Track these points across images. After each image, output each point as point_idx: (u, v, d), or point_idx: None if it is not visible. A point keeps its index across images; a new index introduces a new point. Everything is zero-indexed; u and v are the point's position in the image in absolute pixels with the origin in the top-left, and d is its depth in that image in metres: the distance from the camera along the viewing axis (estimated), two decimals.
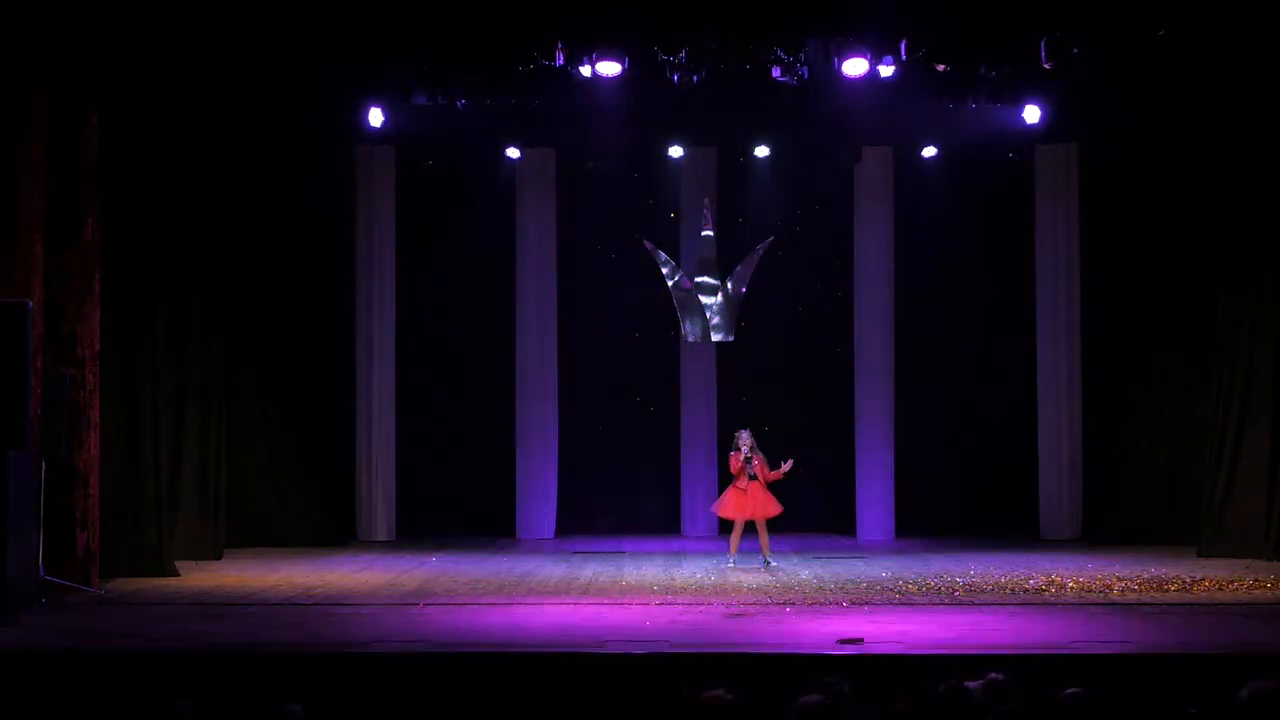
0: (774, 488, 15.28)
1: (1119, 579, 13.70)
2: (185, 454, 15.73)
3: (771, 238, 18.41)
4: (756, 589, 13.27)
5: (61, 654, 10.03)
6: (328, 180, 18.04)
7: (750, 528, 15.31)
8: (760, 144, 18.18)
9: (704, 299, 17.97)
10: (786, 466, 15.11)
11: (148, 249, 14.58)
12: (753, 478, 15.15)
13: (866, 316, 18.65)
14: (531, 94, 16.32)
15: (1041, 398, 18.40)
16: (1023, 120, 16.94)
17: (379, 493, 18.42)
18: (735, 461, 15.30)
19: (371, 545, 17.78)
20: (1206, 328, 16.48)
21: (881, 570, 14.65)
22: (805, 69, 15.55)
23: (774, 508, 15.31)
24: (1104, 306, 18.06)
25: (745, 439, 15.25)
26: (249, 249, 17.12)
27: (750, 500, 15.21)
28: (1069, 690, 6.84)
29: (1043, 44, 14.81)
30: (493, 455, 18.57)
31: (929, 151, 18.18)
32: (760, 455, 15.26)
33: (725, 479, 16.15)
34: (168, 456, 15.10)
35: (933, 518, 18.17)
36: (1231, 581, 13.48)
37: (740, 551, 15.24)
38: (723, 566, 14.95)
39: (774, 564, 15.02)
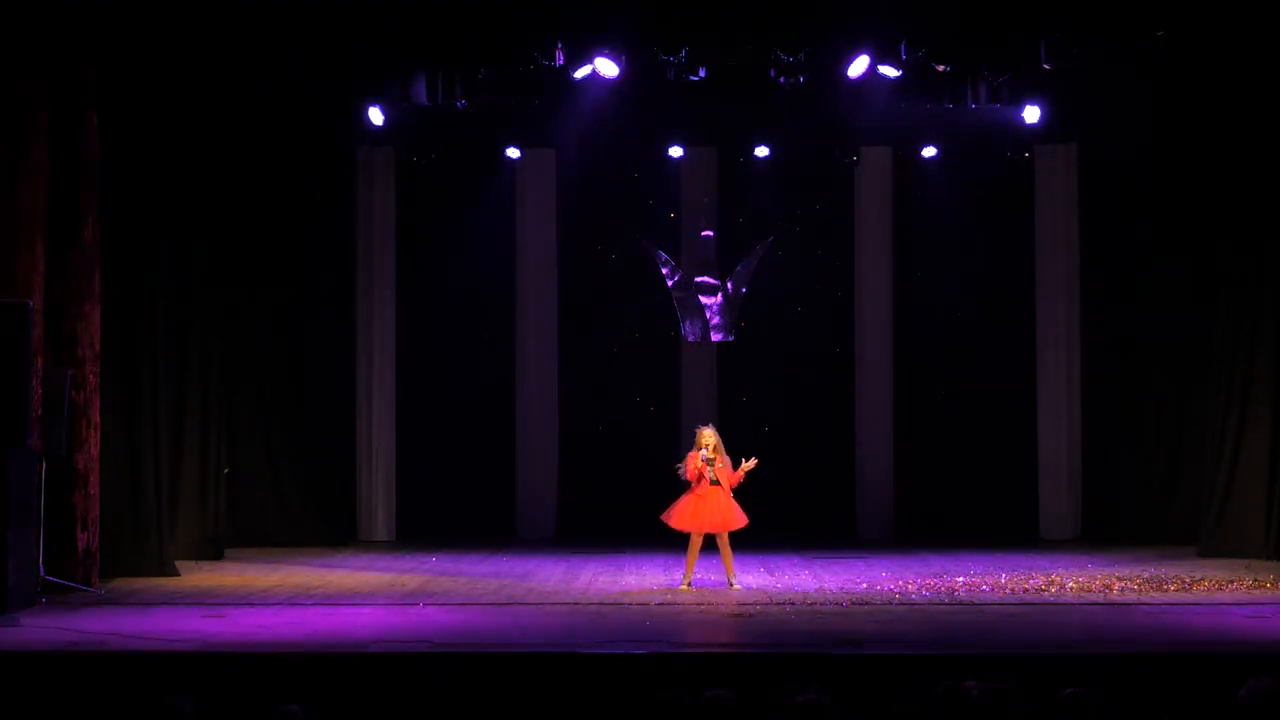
0: (738, 495, 13.18)
1: (1119, 579, 13.69)
2: (185, 454, 15.74)
3: (771, 238, 18.43)
4: (756, 589, 13.26)
5: (61, 654, 10.02)
6: (328, 180, 18.03)
7: (710, 544, 13.28)
8: (760, 144, 18.15)
9: (704, 299, 17.95)
10: (749, 465, 12.94)
11: (148, 249, 14.58)
12: (714, 482, 13.03)
13: (867, 316, 18.63)
14: (531, 94, 16.31)
15: (1041, 397, 18.37)
16: (1023, 120, 16.92)
17: (379, 493, 18.41)
18: (692, 464, 13.07)
19: (371, 545, 17.77)
20: (1207, 327, 16.48)
21: (881, 570, 14.64)
22: (805, 69, 15.55)
23: (738, 519, 13.14)
24: (1103, 306, 18.05)
25: (710, 436, 13.12)
26: (249, 249, 17.10)
27: (709, 510, 13.08)
28: (1069, 690, 6.85)
29: (1042, 44, 14.80)
30: (493, 455, 18.54)
31: (929, 151, 18.15)
32: (725, 457, 13.12)
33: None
34: (168, 456, 15.08)
35: (933, 518, 18.13)
36: (1231, 581, 13.47)
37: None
38: (675, 587, 13.19)
39: (738, 586, 13.16)
